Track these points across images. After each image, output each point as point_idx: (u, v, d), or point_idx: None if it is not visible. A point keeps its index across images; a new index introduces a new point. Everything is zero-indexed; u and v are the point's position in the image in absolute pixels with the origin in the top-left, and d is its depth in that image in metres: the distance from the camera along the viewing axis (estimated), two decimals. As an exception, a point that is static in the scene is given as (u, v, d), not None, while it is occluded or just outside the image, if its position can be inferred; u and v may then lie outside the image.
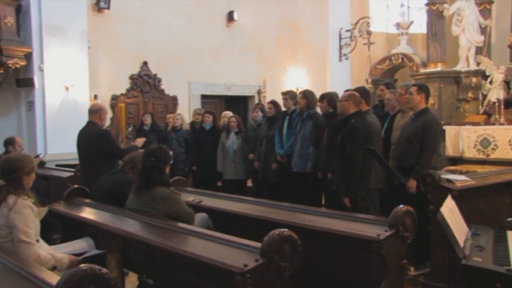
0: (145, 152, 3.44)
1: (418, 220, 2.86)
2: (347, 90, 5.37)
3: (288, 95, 6.04)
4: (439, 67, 9.72)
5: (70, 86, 7.33)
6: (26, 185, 2.86)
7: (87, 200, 3.84)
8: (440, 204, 2.59)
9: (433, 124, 4.26)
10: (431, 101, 9.32)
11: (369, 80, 10.85)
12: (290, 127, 5.96)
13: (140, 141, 5.19)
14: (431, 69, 9.81)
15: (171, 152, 3.86)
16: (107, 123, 8.08)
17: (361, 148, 4.03)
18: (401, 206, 2.82)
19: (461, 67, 9.52)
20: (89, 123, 4.78)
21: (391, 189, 4.53)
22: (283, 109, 6.29)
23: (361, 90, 4.67)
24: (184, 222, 3.18)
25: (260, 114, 6.67)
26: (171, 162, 3.60)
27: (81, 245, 3.26)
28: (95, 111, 4.78)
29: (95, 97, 7.91)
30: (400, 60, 10.86)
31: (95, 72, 8.00)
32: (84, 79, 7.52)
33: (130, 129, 7.16)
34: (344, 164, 4.16)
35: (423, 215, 3.53)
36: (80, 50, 7.46)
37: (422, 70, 10.05)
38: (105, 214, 3.43)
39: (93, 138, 4.62)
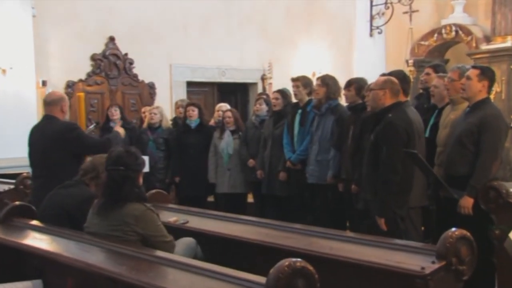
0: (109, 159, 3.44)
1: (477, 248, 2.85)
2: (383, 75, 5.38)
3: (301, 82, 6.06)
4: (508, 42, 9.61)
5: (8, 68, 7.30)
6: None
7: (33, 222, 3.83)
8: (510, 228, 2.58)
9: (494, 120, 4.24)
10: (496, 88, 9.25)
11: (410, 62, 10.82)
12: (303, 125, 5.98)
13: (123, 130, 5.33)
14: (497, 44, 9.70)
15: (146, 158, 3.86)
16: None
17: (401, 153, 4.03)
18: (453, 229, 2.82)
19: (541, 41, 9.43)
20: (47, 118, 4.79)
21: (439, 207, 4.52)
22: (294, 100, 6.30)
23: (399, 76, 4.67)
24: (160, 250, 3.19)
25: (264, 107, 6.69)
26: (147, 170, 3.61)
27: (24, 285, 3.25)
28: (53, 102, 4.80)
29: (44, 83, 7.89)
30: (453, 33, 10.80)
31: (43, 51, 7.99)
32: (27, 59, 7.49)
33: (92, 126, 7.14)
34: (378, 174, 4.15)
35: (485, 242, 3.52)
36: (21, 20, 7.40)
37: (484, 47, 9.98)
38: (57, 240, 3.43)
39: (58, 137, 4.64)
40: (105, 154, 3.71)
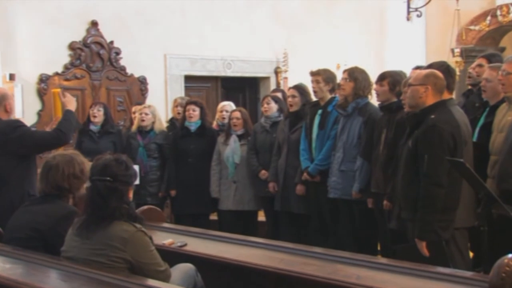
0: (94, 167, 3.45)
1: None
2: (417, 67, 5.35)
3: (322, 77, 6.05)
4: None
5: (-33, 60, 7.39)
6: None
7: (-2, 246, 3.84)
8: None
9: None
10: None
11: (457, 51, 10.78)
12: (323, 127, 5.99)
13: (70, 101, 5.15)
14: None
15: (136, 167, 3.87)
16: (34, 118, 8.18)
17: (447, 163, 4.02)
18: (509, 256, 2.81)
19: None
20: None
21: (492, 228, 4.49)
22: (314, 98, 6.31)
23: (441, 68, 4.66)
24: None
25: (273, 105, 6.72)
26: (137, 182, 3.62)
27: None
28: None
29: (11, 77, 7.91)
30: (511, 15, 10.76)
31: (10, 38, 8.02)
32: (-9, 48, 7.59)
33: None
34: (419, 188, 4.14)
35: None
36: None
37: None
38: (28, 267, 3.42)
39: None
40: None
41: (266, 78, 10.54)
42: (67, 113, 5.03)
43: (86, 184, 3.84)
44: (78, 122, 5.21)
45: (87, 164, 3.87)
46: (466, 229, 4.41)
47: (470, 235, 4.56)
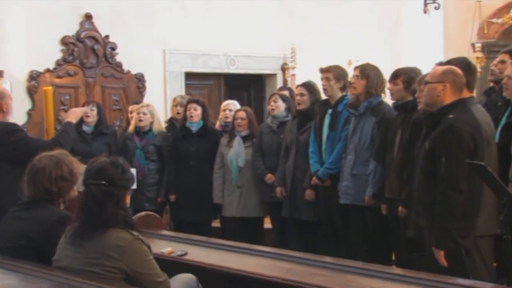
0: (89, 170, 3.46)
1: None
2: (440, 63, 5.35)
3: (332, 74, 6.07)
4: None
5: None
6: None
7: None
8: None
9: None
10: None
11: (478, 46, 10.76)
12: (334, 128, 6.00)
13: (75, 114, 5.30)
14: None
15: (133, 171, 3.88)
16: (23, 118, 8.21)
17: (466, 166, 4.02)
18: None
19: None
20: None
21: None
22: (324, 97, 6.32)
23: (460, 64, 4.67)
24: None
25: (280, 104, 6.72)
26: (134, 187, 3.62)
27: None
28: None
29: (0, 74, 7.99)
30: (537, 8, 10.74)
31: (-1, 32, 8.10)
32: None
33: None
34: (436, 193, 4.15)
35: None
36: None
37: None
38: (17, 278, 3.42)
39: None
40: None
41: (273, 75, 10.53)
42: (66, 125, 5.12)
43: (77, 186, 3.86)
44: (76, 134, 5.33)
45: (76, 164, 3.89)
46: (492, 237, 4.41)
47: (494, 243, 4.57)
